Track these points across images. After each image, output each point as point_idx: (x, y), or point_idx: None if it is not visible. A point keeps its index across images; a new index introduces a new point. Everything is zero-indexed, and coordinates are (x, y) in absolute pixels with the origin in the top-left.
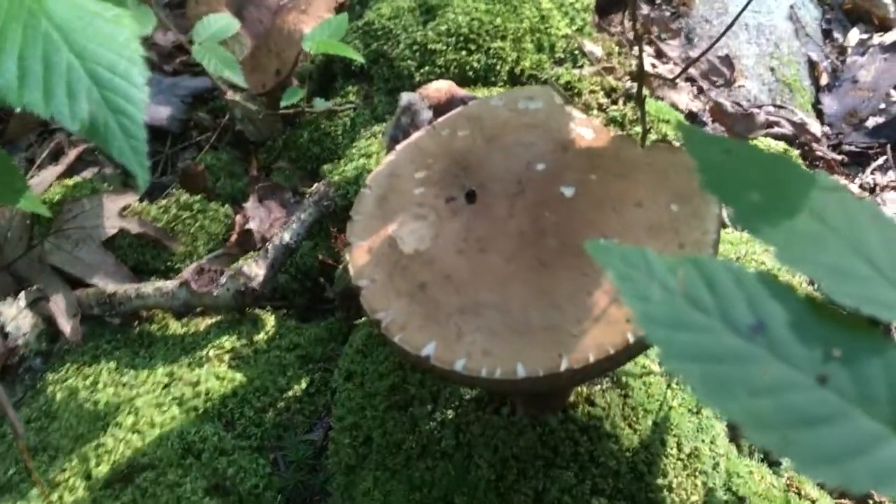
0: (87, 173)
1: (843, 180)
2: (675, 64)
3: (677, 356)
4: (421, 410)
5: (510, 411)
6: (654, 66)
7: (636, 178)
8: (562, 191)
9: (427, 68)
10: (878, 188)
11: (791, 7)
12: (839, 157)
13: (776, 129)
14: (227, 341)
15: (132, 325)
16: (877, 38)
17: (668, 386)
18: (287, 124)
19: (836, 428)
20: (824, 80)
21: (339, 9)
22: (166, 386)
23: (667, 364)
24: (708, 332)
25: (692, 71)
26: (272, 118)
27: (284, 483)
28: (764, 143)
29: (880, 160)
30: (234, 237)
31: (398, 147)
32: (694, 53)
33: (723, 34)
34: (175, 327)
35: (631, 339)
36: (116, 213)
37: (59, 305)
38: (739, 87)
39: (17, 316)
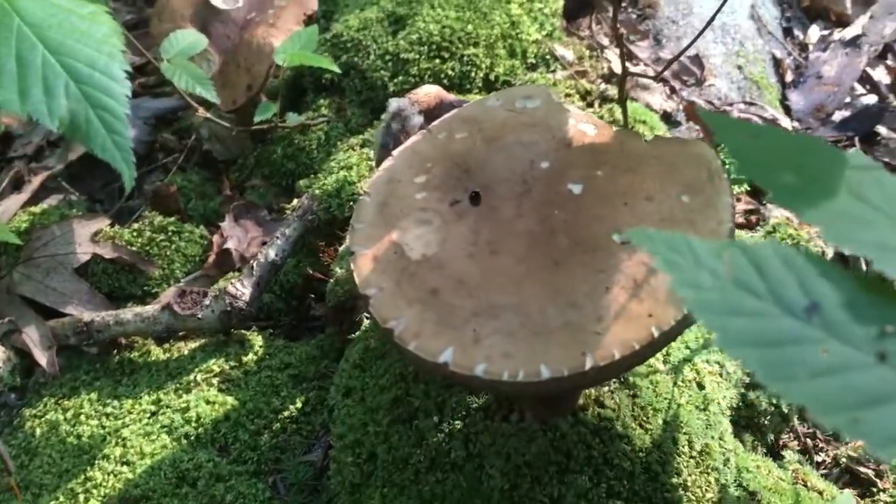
0: (52, 200)
1: None
2: (646, 65)
3: (735, 342)
4: (427, 422)
5: (519, 418)
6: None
7: (644, 171)
8: (569, 188)
9: (401, 78)
10: None
11: (752, 6)
12: None
13: None
14: (215, 364)
15: (111, 354)
16: (837, 34)
17: (675, 384)
18: (257, 141)
19: None
20: (789, 76)
21: (307, 21)
22: (153, 414)
23: (726, 351)
24: (763, 315)
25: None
26: (242, 135)
27: None
28: None
29: (849, 153)
30: (211, 258)
31: (395, 152)
32: (663, 54)
33: (699, 35)
34: (157, 353)
35: (655, 334)
36: (88, 238)
37: (32, 337)
38: (710, 86)
39: None
